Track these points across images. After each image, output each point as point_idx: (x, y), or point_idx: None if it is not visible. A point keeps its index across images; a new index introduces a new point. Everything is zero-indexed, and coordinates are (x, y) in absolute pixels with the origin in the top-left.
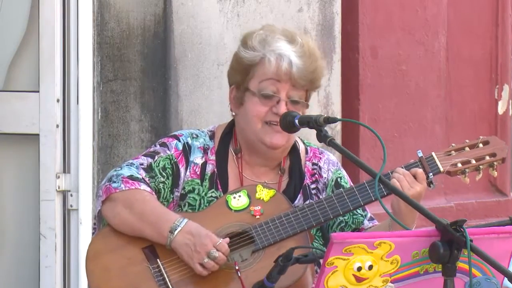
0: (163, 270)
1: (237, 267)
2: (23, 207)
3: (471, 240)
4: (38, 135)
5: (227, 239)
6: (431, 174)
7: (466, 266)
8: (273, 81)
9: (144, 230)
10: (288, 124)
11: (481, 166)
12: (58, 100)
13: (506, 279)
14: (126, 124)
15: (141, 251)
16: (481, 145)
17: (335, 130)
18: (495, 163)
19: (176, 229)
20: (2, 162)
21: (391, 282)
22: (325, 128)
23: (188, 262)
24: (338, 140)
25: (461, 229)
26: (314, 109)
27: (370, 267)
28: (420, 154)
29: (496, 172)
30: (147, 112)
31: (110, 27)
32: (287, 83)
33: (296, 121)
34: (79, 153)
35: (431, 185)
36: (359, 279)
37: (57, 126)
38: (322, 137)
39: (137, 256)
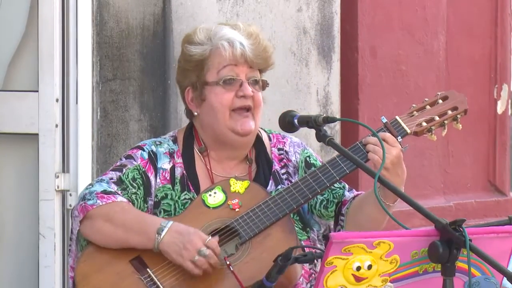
0: (155, 279)
1: (228, 262)
2: (22, 207)
3: (470, 240)
4: (37, 134)
5: (217, 237)
6: (399, 137)
7: (465, 266)
8: (231, 66)
9: (130, 239)
10: (288, 123)
11: (445, 121)
12: (57, 100)
13: (505, 278)
14: (125, 123)
15: (129, 264)
16: (440, 101)
17: (334, 130)
18: (458, 116)
19: (163, 230)
20: (1, 162)
21: (390, 281)
22: (324, 127)
23: (178, 261)
24: (338, 140)
25: (460, 228)
26: (313, 108)
27: (369, 267)
28: (385, 120)
29: (460, 125)
30: (146, 112)
31: (109, 26)
32: (244, 65)
33: (296, 120)
34: (78, 153)
35: (403, 148)
36: (358, 279)
37: (56, 125)
38: (321, 136)
39: (126, 269)
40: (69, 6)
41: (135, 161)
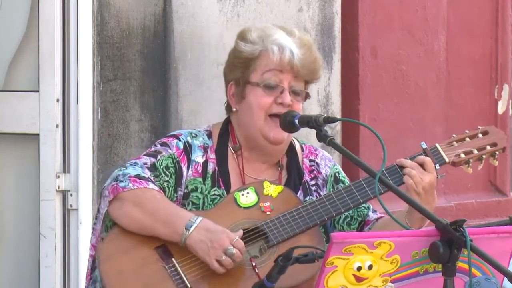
0: (179, 269)
1: (253, 264)
2: (23, 207)
3: (471, 240)
4: (38, 135)
5: (241, 232)
6: (437, 165)
7: (466, 266)
8: (275, 71)
9: (157, 229)
10: (288, 124)
11: (483, 156)
12: (58, 100)
13: (506, 279)
14: (126, 124)
15: (154, 251)
16: (480, 135)
17: (335, 130)
18: (496, 152)
19: (192, 226)
20: (2, 162)
21: (391, 281)
22: (325, 127)
23: (204, 259)
24: (338, 140)
25: (461, 228)
26: (314, 109)
27: (370, 267)
28: (424, 146)
29: (497, 162)
30: (147, 112)
31: (110, 27)
32: (289, 73)
33: (296, 121)
34: (79, 153)
35: (438, 176)
36: (359, 279)
37: (57, 126)
38: (322, 136)
39: (151, 256)
40: (69, 6)
41: (170, 149)
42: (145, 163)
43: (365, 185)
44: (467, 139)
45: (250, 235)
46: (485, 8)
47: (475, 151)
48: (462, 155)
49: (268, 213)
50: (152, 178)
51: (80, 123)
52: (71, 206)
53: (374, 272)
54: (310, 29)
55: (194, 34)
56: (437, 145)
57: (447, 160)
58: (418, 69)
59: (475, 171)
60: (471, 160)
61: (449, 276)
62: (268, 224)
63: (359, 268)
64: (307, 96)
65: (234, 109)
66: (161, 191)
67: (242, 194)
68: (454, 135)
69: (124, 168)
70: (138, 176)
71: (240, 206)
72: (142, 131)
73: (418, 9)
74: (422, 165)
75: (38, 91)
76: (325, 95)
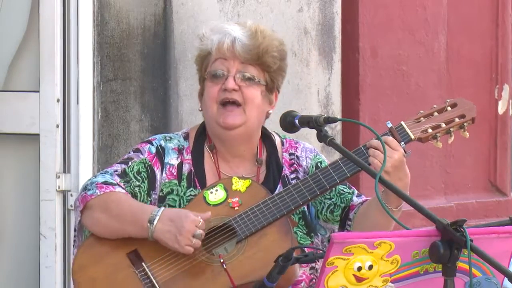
0: (149, 273)
1: (221, 260)
2: (23, 207)
3: (471, 240)
4: (38, 135)
5: (209, 213)
6: (402, 143)
7: (466, 266)
8: (221, 60)
9: (125, 229)
10: (288, 124)
11: (451, 129)
12: (58, 100)
13: (506, 279)
14: (126, 124)
15: (125, 257)
16: (449, 108)
17: (335, 130)
18: (465, 124)
19: (154, 219)
20: (2, 162)
21: (391, 282)
22: (325, 128)
23: (174, 247)
24: (338, 140)
25: (461, 229)
26: (314, 109)
27: (370, 267)
28: (390, 125)
29: (467, 133)
30: (147, 112)
31: (110, 27)
32: (234, 60)
33: (296, 121)
34: (79, 153)
35: (406, 153)
36: (359, 279)
37: (57, 126)
38: (322, 137)
39: (122, 262)
40: (70, 7)
41: (142, 154)
42: (116, 171)
43: (332, 170)
44: (435, 113)
45: (221, 232)
46: (485, 8)
47: (443, 125)
48: (430, 130)
49: (236, 208)
50: (121, 184)
51: (81, 123)
52: (71, 206)
53: (374, 272)
54: (310, 29)
55: (194, 34)
56: (402, 122)
57: (412, 136)
58: (418, 69)
59: (476, 172)
60: (438, 135)
61: (450, 276)
62: (236, 219)
63: (359, 268)
64: (260, 84)
65: (199, 109)
66: (128, 194)
67: (211, 192)
68: (421, 111)
69: (93, 177)
70: (105, 183)
71: (209, 204)
72: (142, 131)
73: (418, 9)
74: (387, 145)
75: (38, 91)
76: (325, 95)
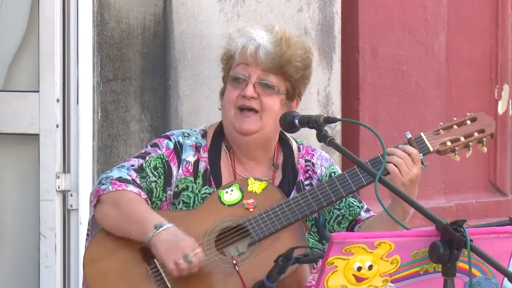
0: (161, 270)
1: (234, 262)
2: (23, 207)
3: (471, 240)
4: (38, 135)
5: (203, 257)
6: (421, 154)
7: (466, 266)
8: (243, 65)
9: (128, 227)
10: (288, 124)
11: (470, 143)
12: (58, 100)
13: (506, 279)
14: (126, 124)
15: (137, 252)
16: (468, 122)
17: (335, 130)
18: (484, 139)
19: (162, 226)
20: (2, 162)
21: (391, 282)
22: (325, 128)
23: (162, 258)
24: (338, 140)
25: (461, 229)
26: (314, 109)
27: (370, 267)
28: (409, 135)
29: (485, 148)
30: (147, 112)
31: (110, 27)
32: (256, 67)
33: (296, 121)
34: (79, 153)
35: (423, 165)
36: (359, 279)
37: (57, 126)
38: (322, 137)
39: (134, 257)
40: (70, 6)
41: (159, 149)
42: (133, 165)
43: (348, 177)
44: (455, 126)
45: (234, 233)
46: (485, 8)
47: (462, 139)
48: (448, 143)
49: (251, 209)
50: (137, 179)
51: (80, 123)
52: (71, 206)
53: (374, 272)
54: (310, 29)
55: (194, 34)
56: (421, 134)
57: (431, 149)
58: (418, 69)
59: (476, 172)
60: (457, 148)
61: (449, 276)
62: (250, 221)
63: (359, 268)
64: (281, 93)
65: (219, 108)
66: (141, 194)
67: (226, 192)
68: (441, 123)
69: (109, 172)
70: (119, 179)
71: (224, 204)
72: (142, 131)
73: (419, 9)
74: (409, 155)
75: (38, 91)
76: (325, 95)
